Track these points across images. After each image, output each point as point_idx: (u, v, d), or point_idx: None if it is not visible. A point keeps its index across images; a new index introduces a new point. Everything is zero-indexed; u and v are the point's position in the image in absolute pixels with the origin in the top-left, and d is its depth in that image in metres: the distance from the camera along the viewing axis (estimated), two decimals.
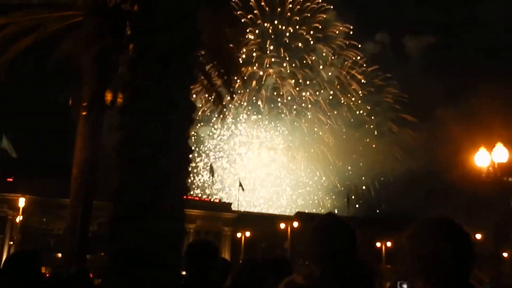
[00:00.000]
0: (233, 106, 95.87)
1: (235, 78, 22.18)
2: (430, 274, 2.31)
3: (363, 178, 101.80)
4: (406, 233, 2.46)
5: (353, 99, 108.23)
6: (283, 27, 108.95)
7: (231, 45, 19.34)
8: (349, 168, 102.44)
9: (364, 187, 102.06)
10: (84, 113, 16.54)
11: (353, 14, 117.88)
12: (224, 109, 23.49)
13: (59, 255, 31.76)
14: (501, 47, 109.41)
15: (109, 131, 16.50)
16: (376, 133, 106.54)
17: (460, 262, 2.32)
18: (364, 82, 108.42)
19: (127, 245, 7.01)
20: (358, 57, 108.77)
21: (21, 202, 44.25)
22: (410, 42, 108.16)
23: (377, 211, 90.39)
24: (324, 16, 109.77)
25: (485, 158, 16.75)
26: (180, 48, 7.58)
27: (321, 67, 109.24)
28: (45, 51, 17.06)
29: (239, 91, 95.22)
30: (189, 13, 7.81)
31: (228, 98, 22.93)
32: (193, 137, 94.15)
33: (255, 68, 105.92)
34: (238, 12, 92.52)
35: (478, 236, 51.38)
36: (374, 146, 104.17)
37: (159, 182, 7.16)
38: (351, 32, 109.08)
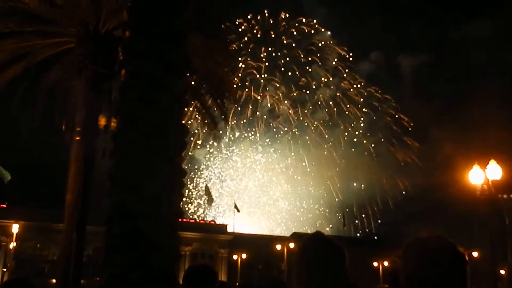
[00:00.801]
0: (228, 129, 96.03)
1: (229, 101, 22.22)
2: None
3: (361, 199, 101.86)
4: (399, 252, 2.41)
5: (352, 124, 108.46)
6: (278, 53, 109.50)
7: (225, 69, 19.40)
8: (348, 190, 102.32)
9: (363, 211, 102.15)
10: (77, 138, 16.47)
11: (347, 34, 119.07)
12: (220, 132, 23.50)
13: (54, 281, 31.41)
14: (494, 65, 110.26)
15: (103, 157, 16.46)
16: (373, 154, 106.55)
17: (452, 281, 2.27)
18: (361, 106, 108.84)
19: (121, 270, 6.96)
20: (359, 84, 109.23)
21: (15, 228, 43.90)
22: (404, 60, 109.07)
23: (375, 237, 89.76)
24: (320, 40, 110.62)
25: (479, 175, 16.77)
26: (171, 73, 7.64)
27: (318, 90, 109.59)
28: (37, 76, 17.09)
29: (234, 116, 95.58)
30: (180, 39, 7.90)
31: (223, 122, 22.92)
32: (189, 160, 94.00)
33: (248, 91, 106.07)
34: (232, 36, 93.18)
35: (475, 254, 51.22)
36: (372, 170, 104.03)
37: (152, 207, 7.14)
38: (350, 59, 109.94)
